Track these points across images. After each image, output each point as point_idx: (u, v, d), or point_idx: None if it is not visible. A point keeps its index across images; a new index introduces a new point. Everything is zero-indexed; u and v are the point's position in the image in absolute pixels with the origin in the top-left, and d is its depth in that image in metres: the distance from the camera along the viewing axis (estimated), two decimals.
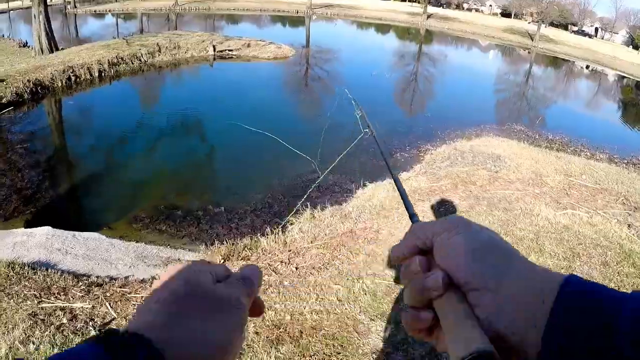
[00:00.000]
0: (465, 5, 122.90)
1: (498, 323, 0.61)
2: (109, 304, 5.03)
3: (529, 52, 59.80)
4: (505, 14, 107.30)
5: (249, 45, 29.13)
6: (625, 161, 15.44)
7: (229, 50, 27.93)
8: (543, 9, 68.00)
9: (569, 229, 7.38)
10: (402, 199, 1.03)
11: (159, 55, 25.03)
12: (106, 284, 5.70)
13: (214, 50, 27.28)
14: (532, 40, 65.73)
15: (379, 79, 26.81)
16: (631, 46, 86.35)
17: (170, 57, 25.53)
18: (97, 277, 5.99)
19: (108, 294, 5.32)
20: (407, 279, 0.72)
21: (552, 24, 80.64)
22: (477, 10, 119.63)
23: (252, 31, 47.22)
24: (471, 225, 0.71)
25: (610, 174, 11.52)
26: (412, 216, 0.92)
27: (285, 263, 5.96)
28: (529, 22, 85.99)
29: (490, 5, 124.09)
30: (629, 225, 7.92)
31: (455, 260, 0.66)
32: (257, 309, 0.76)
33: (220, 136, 14.56)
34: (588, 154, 15.51)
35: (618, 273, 6.19)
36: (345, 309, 5.01)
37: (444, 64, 39.51)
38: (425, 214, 7.49)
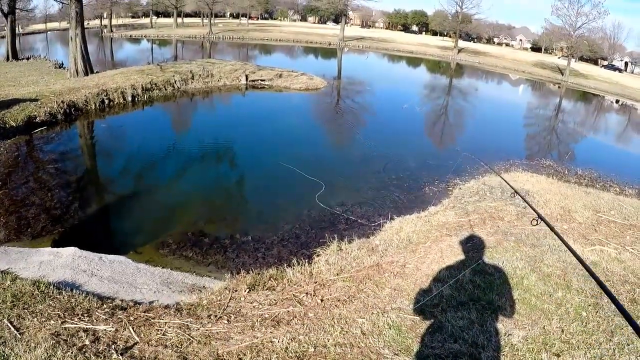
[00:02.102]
0: (496, 40, 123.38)
1: None
2: (132, 328, 5.02)
3: (558, 87, 59.48)
4: (536, 49, 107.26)
5: (280, 76, 29.46)
6: None
7: (261, 80, 28.27)
8: (573, 43, 67.50)
9: (597, 265, 7.23)
10: None
11: (192, 82, 25.49)
12: (130, 307, 5.71)
13: (247, 79, 27.66)
14: (562, 74, 65.47)
15: (410, 112, 26.83)
16: None
17: (203, 85, 25.96)
18: (122, 300, 6.02)
19: (132, 318, 5.33)
20: None
21: (581, 59, 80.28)
22: (507, 44, 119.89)
23: (284, 61, 47.83)
24: None
25: None
26: None
27: (311, 295, 5.92)
28: (559, 57, 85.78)
29: (521, 40, 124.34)
30: None
31: None
32: None
33: (251, 165, 14.73)
34: (617, 189, 15.28)
35: None
36: (369, 342, 4.93)
37: (474, 98, 39.44)
38: (453, 249, 7.40)
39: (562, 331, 5.24)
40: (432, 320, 5.30)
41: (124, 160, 14.20)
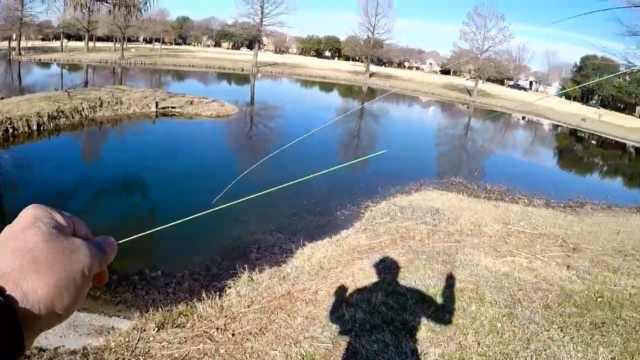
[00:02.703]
0: (407, 64, 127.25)
1: None
2: None
3: (467, 107, 62.16)
4: (445, 72, 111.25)
5: (191, 103, 29.17)
6: (562, 205, 16.07)
7: (172, 107, 27.89)
8: (480, 65, 70.78)
9: (509, 276, 7.49)
10: None
11: (100, 110, 24.80)
12: (34, 355, 5.42)
13: (157, 106, 27.21)
14: (470, 95, 68.48)
15: (322, 136, 27.14)
16: (564, 97, 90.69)
17: (112, 113, 25.32)
18: None
19: None
20: None
21: (489, 80, 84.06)
22: (417, 68, 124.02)
23: (197, 88, 47.40)
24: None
25: (548, 219, 11.90)
26: None
27: (222, 329, 5.80)
28: (467, 79, 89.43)
29: (430, 64, 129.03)
30: (568, 267, 8.14)
31: None
32: (103, 276, 0.85)
33: (160, 196, 14.31)
34: (526, 201, 16.02)
35: (560, 314, 6.26)
36: None
37: (385, 120, 40.47)
38: (365, 272, 7.47)
39: (479, 344, 5.37)
40: (346, 347, 5.29)
41: (29, 192, 13.56)
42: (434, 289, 6.86)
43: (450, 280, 7.19)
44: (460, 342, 5.40)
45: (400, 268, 7.68)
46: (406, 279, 7.21)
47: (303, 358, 5.13)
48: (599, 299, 6.86)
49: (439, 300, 6.52)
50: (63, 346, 5.88)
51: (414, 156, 25.11)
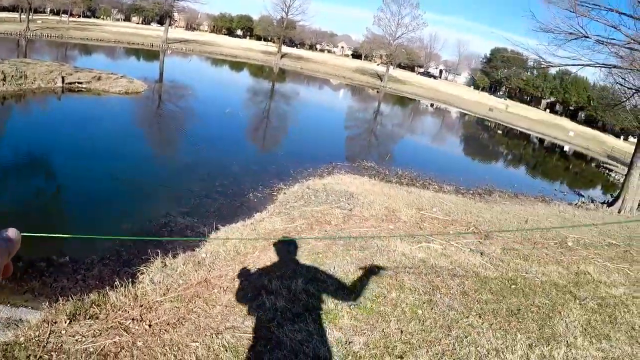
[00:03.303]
0: (319, 46, 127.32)
1: None
2: None
3: (377, 92, 63.00)
4: (356, 56, 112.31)
5: (99, 78, 28.07)
6: (471, 192, 16.66)
7: (79, 83, 26.72)
8: (392, 51, 71.91)
9: (426, 262, 7.62)
10: None
11: (3, 84, 23.42)
12: None
13: (63, 81, 25.99)
14: (381, 80, 69.40)
15: (233, 117, 26.88)
16: (472, 86, 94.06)
17: (16, 87, 23.94)
18: None
19: None
20: None
21: (400, 66, 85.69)
22: (329, 51, 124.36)
23: (105, 63, 45.73)
24: None
25: (459, 205, 12.29)
26: None
27: (137, 320, 5.57)
28: (378, 64, 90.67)
29: (342, 47, 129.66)
30: (481, 254, 8.41)
31: None
32: (9, 268, 0.91)
33: (66, 176, 13.66)
34: (436, 187, 16.47)
35: (477, 301, 6.43)
36: None
37: (296, 102, 40.42)
38: (282, 258, 7.41)
39: (402, 332, 5.41)
40: (269, 337, 5.20)
41: None
42: (354, 275, 6.87)
43: (369, 266, 7.21)
44: (383, 329, 5.45)
45: (318, 253, 7.68)
46: (325, 265, 7.19)
47: (226, 350, 4.99)
48: (513, 286, 7.10)
49: (360, 286, 6.50)
50: None
51: (324, 139, 25.36)
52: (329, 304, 5.93)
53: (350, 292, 6.38)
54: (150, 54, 65.91)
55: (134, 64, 55.24)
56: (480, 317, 5.96)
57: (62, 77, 26.22)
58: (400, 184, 15.73)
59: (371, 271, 7.05)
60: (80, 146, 16.65)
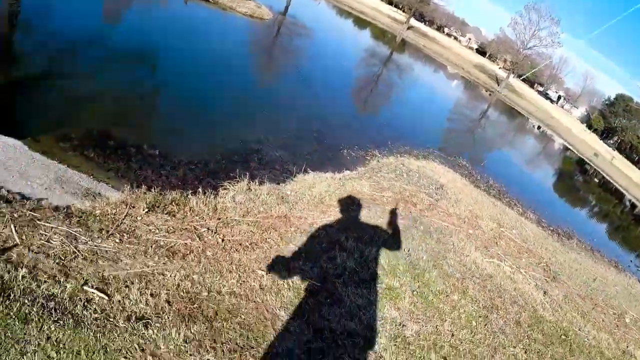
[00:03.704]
0: (446, 30, 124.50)
1: None
2: (15, 227, 4.39)
3: (490, 94, 60.96)
4: (481, 52, 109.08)
5: None
6: (552, 228, 15.93)
7: None
8: (518, 60, 69.34)
9: (493, 279, 7.35)
10: None
11: None
12: (17, 202, 5.08)
13: None
14: (498, 84, 67.03)
15: (344, 71, 26.65)
16: (585, 124, 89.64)
17: None
18: (8, 191, 5.37)
19: (16, 215, 4.68)
20: None
21: (520, 77, 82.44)
22: (455, 38, 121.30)
23: None
24: None
25: (538, 237, 11.75)
26: None
27: (212, 231, 5.51)
28: (500, 67, 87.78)
29: (469, 39, 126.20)
30: (544, 292, 8.02)
31: None
32: None
33: (175, 78, 13.78)
34: (520, 209, 15.81)
35: (528, 336, 6.16)
36: (266, 300, 4.65)
37: (408, 77, 39.57)
38: (363, 221, 7.30)
39: (453, 335, 5.26)
40: (333, 291, 5.13)
41: (44, 36, 12.84)
42: (424, 263, 6.71)
43: (440, 261, 7.04)
44: (437, 326, 5.33)
45: (398, 231, 7.48)
46: (401, 243, 7.03)
47: (289, 288, 4.93)
48: (563, 337, 6.78)
49: (427, 276, 6.35)
50: (47, 199, 5.59)
51: (426, 122, 24.80)
52: (395, 282, 5.84)
53: (417, 278, 6.24)
54: None
55: None
56: (525, 352, 5.76)
57: None
58: (487, 193, 15.17)
59: (441, 266, 6.90)
60: (193, 51, 16.77)
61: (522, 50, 69.35)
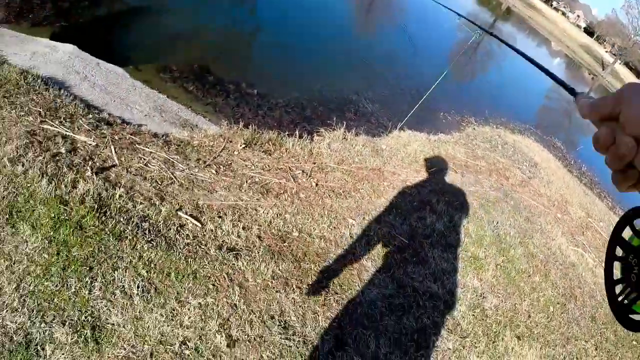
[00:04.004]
0: (554, 4, 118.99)
1: None
2: (114, 149, 4.51)
3: (592, 78, 57.82)
4: (589, 32, 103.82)
5: None
6: None
7: None
8: (627, 45, 65.27)
9: (575, 268, 7.15)
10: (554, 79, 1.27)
11: None
12: (117, 125, 5.18)
13: None
14: (603, 69, 63.30)
15: (442, 31, 25.96)
16: None
17: None
18: (110, 114, 5.45)
19: (116, 137, 4.80)
20: (600, 150, 0.84)
21: (627, 65, 77.83)
22: (563, 13, 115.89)
23: None
24: None
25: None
26: (573, 90, 1.19)
27: (307, 174, 5.49)
28: (606, 51, 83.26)
29: (578, 16, 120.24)
30: None
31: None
32: None
33: (275, 20, 13.75)
34: (610, 203, 15.06)
35: (600, 333, 5.97)
36: (354, 248, 4.64)
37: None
38: (455, 186, 7.19)
39: (529, 316, 5.21)
40: (419, 251, 5.09)
41: None
42: (511, 239, 6.59)
43: (526, 239, 6.90)
44: (515, 304, 5.28)
45: (488, 202, 7.35)
46: (490, 215, 6.91)
47: (379, 241, 4.92)
48: (634, 342, 6.50)
49: (512, 252, 6.26)
50: (146, 126, 5.64)
51: (524, 96, 23.91)
52: (480, 252, 5.77)
53: (501, 252, 6.16)
54: None
55: None
56: (596, 349, 5.60)
57: None
58: (579, 180, 14.49)
59: (526, 245, 6.77)
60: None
61: (633, 37, 65.25)
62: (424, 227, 5.54)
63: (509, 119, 15.37)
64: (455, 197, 6.70)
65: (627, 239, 0.78)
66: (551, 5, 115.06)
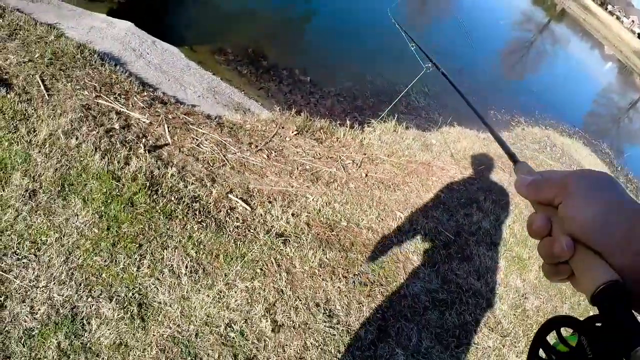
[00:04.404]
0: (609, 8, 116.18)
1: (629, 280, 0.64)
2: (168, 128, 4.53)
3: None
4: None
5: None
6: None
7: None
8: None
9: None
10: (497, 140, 1.22)
11: None
12: (171, 104, 5.21)
13: None
14: None
15: (496, 28, 25.62)
16: None
17: None
18: (164, 93, 5.49)
19: (170, 116, 4.82)
20: (533, 236, 0.78)
21: None
22: (618, 18, 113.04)
23: None
24: (591, 183, 0.72)
25: None
26: (514, 156, 1.08)
27: (357, 165, 5.46)
28: None
29: (633, 21, 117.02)
30: None
31: (582, 226, 0.69)
32: None
33: (330, 8, 13.72)
34: None
35: None
36: (401, 241, 4.61)
37: (562, 50, 37.36)
38: (503, 185, 7.06)
39: None
40: (465, 248, 5.06)
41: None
42: None
43: None
44: (556, 307, 5.24)
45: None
46: None
47: (425, 236, 4.88)
48: None
49: None
50: (200, 107, 5.66)
51: (574, 99, 23.40)
52: (525, 253, 5.70)
53: None
54: None
55: None
56: None
57: None
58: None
59: None
60: None
61: None
62: (470, 224, 5.49)
63: (559, 121, 15.08)
64: (502, 196, 6.64)
65: (552, 344, 0.75)
66: (606, 8, 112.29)
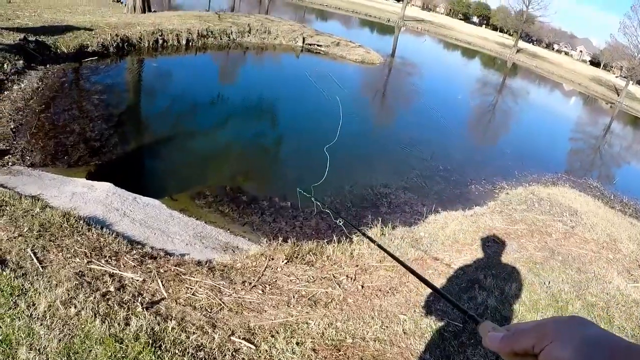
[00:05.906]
0: (556, 47, 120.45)
1: None
2: (161, 282, 4.71)
3: (611, 107, 57.40)
4: (595, 63, 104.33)
5: (338, 44, 28.93)
6: None
7: (318, 45, 27.77)
8: (635, 65, 64.53)
9: (639, 305, 6.90)
10: (454, 306, 1.20)
11: (248, 36, 25.35)
12: (161, 257, 5.42)
13: (303, 42, 27.33)
14: (618, 95, 62.83)
15: (460, 103, 26.42)
16: None
17: (259, 40, 25.80)
18: (152, 248, 5.71)
19: (162, 270, 5.02)
20: None
21: (639, 83, 77.32)
22: (566, 53, 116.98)
23: (339, 30, 47.09)
24: (569, 326, 0.76)
25: None
26: (474, 317, 1.04)
27: (351, 278, 5.60)
28: (616, 76, 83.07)
29: (581, 52, 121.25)
30: None
31: None
32: None
33: (295, 127, 14.37)
34: None
35: None
36: (411, 344, 4.65)
37: (524, 102, 38.35)
38: (500, 257, 7.15)
39: None
40: (475, 332, 4.94)
41: (168, 101, 13.88)
42: (567, 295, 6.47)
43: (582, 291, 6.76)
44: None
45: (536, 264, 7.27)
46: (540, 276, 6.84)
47: (433, 332, 4.90)
48: None
49: (570, 309, 6.15)
50: (189, 255, 5.86)
51: (549, 145, 23.85)
52: (538, 317, 5.62)
53: (560, 311, 6.08)
54: (385, 29, 66.90)
55: (368, 35, 56.33)
56: None
57: (303, 38, 27.62)
58: (623, 212, 14.18)
59: (583, 297, 6.63)
60: (313, 102, 17.15)
61: (637, 54, 64.62)
62: (476, 306, 5.53)
63: (539, 174, 15.36)
64: (502, 269, 6.69)
65: None
66: (553, 48, 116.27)
